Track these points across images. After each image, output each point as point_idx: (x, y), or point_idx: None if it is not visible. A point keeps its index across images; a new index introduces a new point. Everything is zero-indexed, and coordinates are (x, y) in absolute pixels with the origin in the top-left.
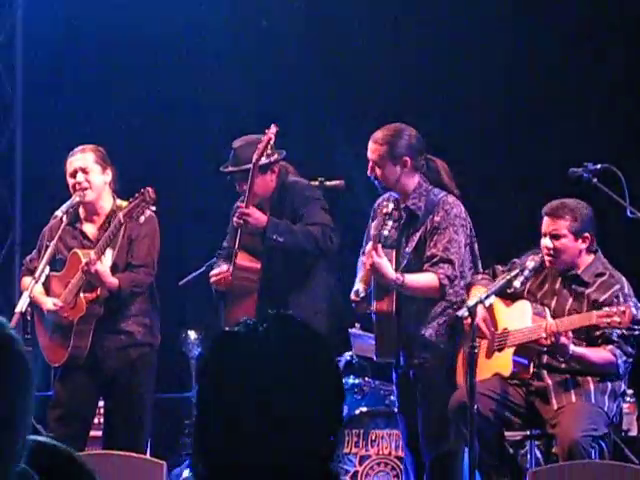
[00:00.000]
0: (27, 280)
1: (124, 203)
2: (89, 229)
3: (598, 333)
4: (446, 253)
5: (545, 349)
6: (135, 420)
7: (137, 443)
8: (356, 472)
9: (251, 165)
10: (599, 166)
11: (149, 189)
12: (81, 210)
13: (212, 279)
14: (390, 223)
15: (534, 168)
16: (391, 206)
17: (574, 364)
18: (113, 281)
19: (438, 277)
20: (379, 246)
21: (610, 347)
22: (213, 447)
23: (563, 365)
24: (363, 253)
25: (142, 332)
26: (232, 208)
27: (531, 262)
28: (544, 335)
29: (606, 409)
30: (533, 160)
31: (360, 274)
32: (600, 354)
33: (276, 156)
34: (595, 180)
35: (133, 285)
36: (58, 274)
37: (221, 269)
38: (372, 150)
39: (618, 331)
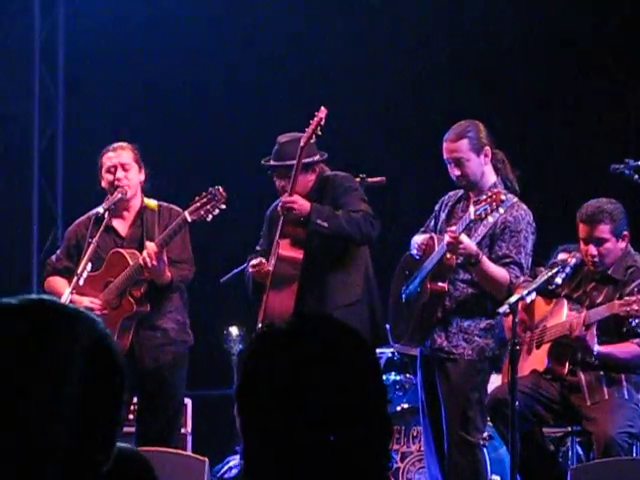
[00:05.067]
0: (56, 280)
1: (152, 201)
2: (120, 226)
3: (626, 327)
4: (518, 256)
5: (573, 344)
6: (169, 418)
7: (170, 441)
8: (398, 468)
9: (295, 162)
10: None
11: (219, 188)
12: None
13: (251, 269)
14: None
15: (572, 165)
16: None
17: (603, 362)
18: (168, 275)
19: (510, 276)
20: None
21: (637, 340)
22: (252, 447)
23: (596, 362)
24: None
25: (176, 329)
26: (265, 214)
27: (572, 259)
28: (569, 328)
29: None
30: (572, 157)
31: (418, 236)
32: (627, 349)
33: (318, 157)
34: (637, 177)
35: (180, 280)
36: (94, 273)
37: (261, 259)
38: (452, 149)
39: None
